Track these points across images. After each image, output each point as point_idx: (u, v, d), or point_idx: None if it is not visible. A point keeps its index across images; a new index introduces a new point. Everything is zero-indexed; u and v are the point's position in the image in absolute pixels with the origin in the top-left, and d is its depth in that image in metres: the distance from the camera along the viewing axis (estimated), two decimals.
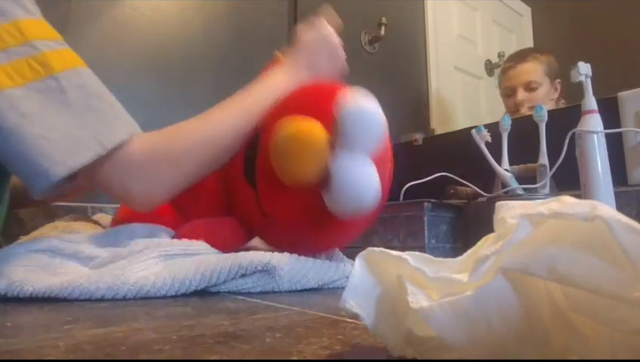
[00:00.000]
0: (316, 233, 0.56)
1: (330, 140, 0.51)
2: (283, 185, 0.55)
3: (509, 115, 0.86)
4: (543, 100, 1.01)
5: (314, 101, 0.59)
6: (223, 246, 0.55)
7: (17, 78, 0.47)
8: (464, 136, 0.74)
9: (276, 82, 0.68)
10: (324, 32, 0.71)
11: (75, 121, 0.48)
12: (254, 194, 0.60)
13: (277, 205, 0.58)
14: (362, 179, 0.49)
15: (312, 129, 0.52)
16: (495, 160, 0.68)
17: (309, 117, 0.54)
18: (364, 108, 0.50)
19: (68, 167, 0.46)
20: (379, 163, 0.52)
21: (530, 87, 1.03)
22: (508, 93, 1.08)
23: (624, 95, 0.72)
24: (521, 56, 1.09)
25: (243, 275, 0.45)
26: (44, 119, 0.47)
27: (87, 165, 0.47)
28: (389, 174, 0.57)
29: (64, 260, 0.47)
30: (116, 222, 0.67)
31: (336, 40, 0.71)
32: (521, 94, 1.04)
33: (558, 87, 1.02)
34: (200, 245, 0.52)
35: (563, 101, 0.99)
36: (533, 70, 1.05)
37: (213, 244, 0.55)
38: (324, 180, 0.50)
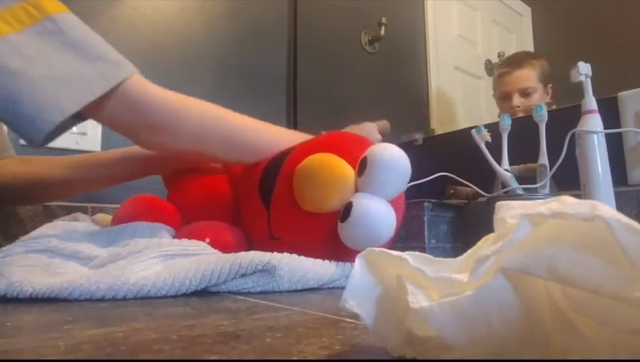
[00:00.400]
0: (322, 256, 0.55)
1: (355, 179, 0.55)
2: (298, 211, 0.57)
3: (508, 115, 0.86)
4: (537, 104, 1.03)
5: (345, 145, 0.61)
6: (225, 251, 0.55)
7: (15, 23, 0.47)
8: (464, 136, 0.74)
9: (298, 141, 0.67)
10: (368, 128, 0.75)
11: (78, 60, 0.49)
12: (267, 214, 0.60)
13: (288, 229, 0.59)
14: (382, 214, 0.52)
15: (342, 162, 0.56)
16: (495, 160, 0.68)
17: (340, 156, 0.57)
18: (393, 157, 0.54)
19: (77, 103, 0.47)
20: (395, 205, 0.54)
21: (525, 93, 1.05)
22: (503, 97, 1.10)
23: (624, 95, 0.72)
24: (516, 62, 1.11)
25: (243, 275, 0.45)
26: (48, 60, 0.47)
27: (94, 101, 0.48)
28: (401, 218, 0.58)
29: (64, 260, 0.47)
30: (117, 220, 0.67)
31: (375, 136, 0.73)
32: (517, 100, 1.06)
33: (550, 91, 1.04)
34: (200, 245, 0.52)
35: (554, 105, 1.00)
36: (529, 76, 1.07)
37: (215, 247, 0.55)
38: (344, 211, 0.53)
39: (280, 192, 0.60)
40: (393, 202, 0.54)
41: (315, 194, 0.55)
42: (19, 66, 0.46)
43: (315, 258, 0.54)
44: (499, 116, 1.10)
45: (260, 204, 0.62)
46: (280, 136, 0.66)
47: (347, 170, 0.55)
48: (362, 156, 0.55)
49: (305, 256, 0.54)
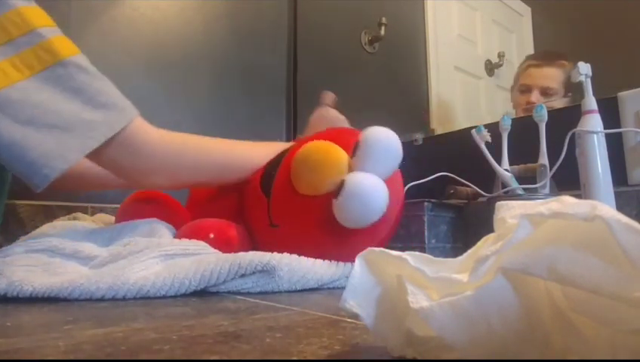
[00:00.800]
0: (321, 244, 0.57)
1: (348, 161, 0.57)
2: (295, 196, 0.59)
3: (509, 113, 0.86)
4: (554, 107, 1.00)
5: (339, 134, 0.64)
6: (228, 247, 0.56)
7: (25, 69, 0.48)
8: (464, 136, 0.74)
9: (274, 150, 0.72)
10: (328, 113, 0.79)
11: (84, 106, 0.50)
12: (267, 202, 0.63)
13: (287, 214, 0.61)
14: (373, 187, 0.53)
15: (336, 146, 0.59)
16: (495, 160, 0.68)
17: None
18: (385, 136, 0.56)
19: (80, 151, 0.49)
20: (389, 185, 0.56)
21: (546, 92, 1.02)
22: (523, 89, 1.05)
23: (624, 95, 0.72)
24: (549, 58, 1.06)
25: (243, 275, 0.45)
26: (55, 107, 0.49)
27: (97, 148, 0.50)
28: (399, 206, 0.59)
29: (64, 260, 0.47)
30: (121, 214, 0.68)
31: (337, 115, 0.78)
32: (536, 96, 1.01)
33: (567, 99, 1.01)
34: (200, 245, 0.52)
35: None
36: (555, 77, 1.02)
37: (219, 243, 0.55)
38: (337, 189, 0.54)
39: (279, 181, 0.62)
40: (387, 181, 0.56)
41: (310, 176, 0.58)
42: (27, 115, 0.47)
43: (311, 242, 0.57)
44: (514, 108, 1.06)
45: (261, 193, 0.65)
46: (265, 151, 0.71)
47: (340, 153, 0.58)
48: (356, 141, 0.58)
49: (302, 240, 0.57)
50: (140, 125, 0.56)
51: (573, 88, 1.00)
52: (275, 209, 0.62)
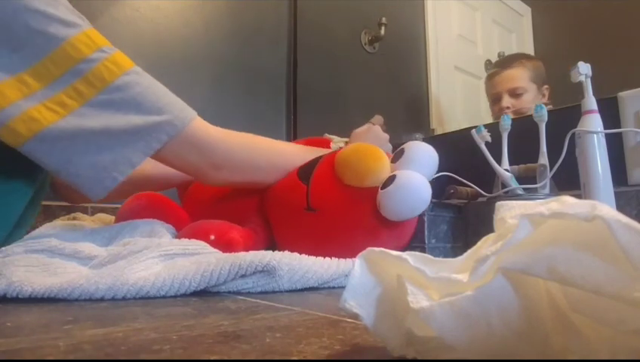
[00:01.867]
0: (354, 233, 0.62)
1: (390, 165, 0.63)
2: (339, 184, 0.63)
3: (508, 115, 0.86)
4: (529, 106, 1.00)
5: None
6: (229, 249, 0.56)
7: (98, 83, 0.51)
8: (464, 136, 0.74)
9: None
10: (375, 130, 0.81)
11: (151, 109, 0.53)
12: (305, 189, 0.66)
13: (328, 200, 0.64)
14: (422, 183, 0.59)
15: (379, 149, 0.65)
16: (495, 160, 0.68)
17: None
18: (427, 147, 0.64)
19: (145, 154, 0.52)
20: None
21: (515, 93, 1.03)
22: (494, 99, 1.08)
23: (624, 95, 0.72)
24: (506, 62, 1.09)
25: (243, 276, 0.45)
26: (125, 115, 0.51)
27: (161, 148, 0.53)
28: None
29: (63, 260, 0.47)
30: (121, 215, 0.67)
31: (384, 136, 0.81)
32: (506, 100, 1.03)
33: (546, 93, 1.02)
34: (199, 244, 0.52)
35: (550, 106, 0.98)
36: (519, 76, 1.04)
37: (220, 245, 0.55)
38: (387, 181, 0.59)
39: (321, 170, 0.66)
40: None
41: (357, 166, 0.62)
42: (102, 126, 0.50)
43: (346, 229, 0.62)
44: (495, 119, 1.09)
45: (298, 181, 0.67)
46: (304, 155, 0.73)
47: (385, 155, 0.64)
48: (398, 148, 0.65)
49: (337, 226, 0.62)
50: (200, 123, 0.59)
51: (547, 81, 1.02)
52: (315, 194, 0.65)
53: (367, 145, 0.65)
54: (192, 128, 0.57)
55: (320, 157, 0.69)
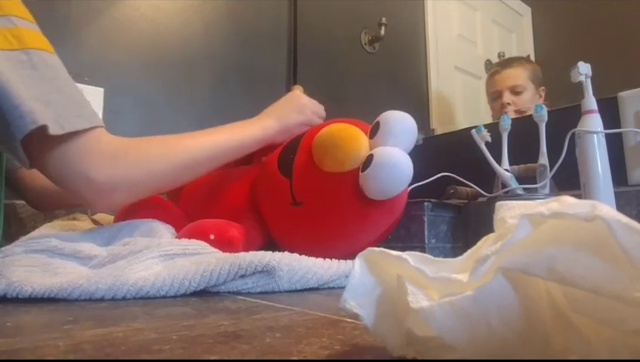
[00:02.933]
0: (345, 220, 0.61)
1: (368, 142, 0.61)
2: (319, 174, 0.62)
3: (507, 115, 0.86)
4: (528, 104, 1.05)
5: (354, 122, 0.67)
6: (230, 247, 0.56)
7: None
8: (464, 136, 0.74)
9: (246, 125, 0.73)
10: (293, 93, 0.81)
11: (42, 97, 0.46)
12: (289, 183, 0.65)
13: (311, 191, 0.64)
14: (401, 158, 0.57)
15: (356, 128, 0.63)
16: (495, 160, 0.68)
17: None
18: (403, 115, 0.62)
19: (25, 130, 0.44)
20: None
21: (515, 91, 1.07)
22: (494, 96, 1.12)
23: (624, 95, 0.72)
24: (507, 63, 1.15)
25: (243, 276, 0.45)
26: (6, 84, 0.45)
27: (42, 137, 0.45)
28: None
29: (63, 260, 0.47)
30: (120, 217, 0.67)
31: (304, 99, 0.80)
32: (507, 97, 1.08)
33: (542, 94, 1.06)
34: (199, 244, 0.52)
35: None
36: (519, 75, 1.09)
37: (220, 244, 0.55)
38: (365, 163, 0.58)
39: (300, 161, 0.65)
40: None
41: (334, 153, 0.61)
42: None
43: (336, 218, 0.60)
44: (492, 117, 1.11)
45: (280, 176, 0.67)
46: (226, 136, 0.67)
47: (361, 133, 0.62)
48: (375, 122, 0.62)
49: (326, 216, 0.61)
50: (96, 138, 0.50)
51: (544, 83, 1.05)
52: (298, 187, 0.64)
53: (340, 127, 0.63)
54: (81, 138, 0.49)
55: (297, 143, 0.67)
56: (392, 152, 0.57)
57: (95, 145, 0.50)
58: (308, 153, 0.64)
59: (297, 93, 0.82)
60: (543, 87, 1.06)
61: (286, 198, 0.65)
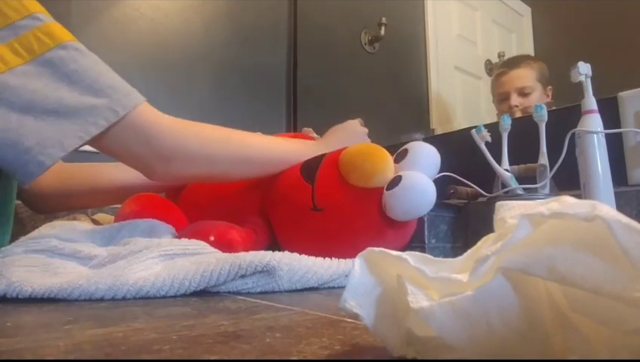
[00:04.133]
0: (360, 232, 0.62)
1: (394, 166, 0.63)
2: (344, 184, 0.63)
3: (508, 115, 0.86)
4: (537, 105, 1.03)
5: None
6: (230, 250, 0.56)
7: (25, 53, 0.46)
8: (464, 136, 0.74)
9: (305, 147, 0.72)
10: (355, 127, 0.79)
11: (87, 91, 0.48)
12: (311, 188, 0.65)
13: (334, 200, 0.64)
14: (427, 183, 0.59)
15: (383, 149, 0.64)
16: (495, 160, 0.68)
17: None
18: (430, 147, 0.65)
19: (79, 138, 0.47)
20: None
21: (523, 93, 1.06)
22: (501, 98, 1.10)
23: (624, 95, 0.72)
24: (514, 63, 1.12)
25: (243, 276, 0.45)
26: (55, 93, 0.47)
27: (100, 134, 0.48)
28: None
29: (63, 260, 0.47)
30: (120, 217, 0.67)
31: (366, 137, 0.79)
32: (515, 99, 1.06)
33: (550, 93, 1.04)
34: (199, 244, 0.52)
35: (554, 107, 1.00)
36: (526, 76, 1.07)
37: (220, 245, 0.55)
38: (392, 182, 0.60)
39: (325, 169, 0.66)
40: None
41: (363, 166, 0.62)
42: (25, 101, 0.45)
43: (352, 228, 0.62)
44: (497, 117, 1.10)
45: (303, 181, 0.67)
46: (284, 147, 0.69)
47: (389, 155, 0.64)
48: (401, 148, 0.65)
49: (343, 225, 0.62)
50: (147, 110, 0.53)
51: (550, 81, 1.04)
52: (320, 194, 0.65)
53: (370, 146, 0.66)
54: (136, 114, 0.51)
55: (323, 155, 0.69)
56: (420, 177, 0.59)
57: (151, 115, 0.53)
58: (334, 164, 0.66)
59: (359, 126, 0.80)
60: (550, 87, 1.04)
61: (305, 202, 0.65)
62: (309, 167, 0.68)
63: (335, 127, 0.79)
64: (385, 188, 0.60)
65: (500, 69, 1.14)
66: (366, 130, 0.80)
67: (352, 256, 0.57)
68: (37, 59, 0.46)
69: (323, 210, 0.64)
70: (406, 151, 0.64)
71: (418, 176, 0.59)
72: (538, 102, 1.03)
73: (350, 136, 0.76)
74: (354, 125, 0.79)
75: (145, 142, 0.53)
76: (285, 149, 0.69)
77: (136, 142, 0.52)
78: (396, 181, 0.59)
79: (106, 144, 0.51)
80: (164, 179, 0.60)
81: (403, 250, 0.62)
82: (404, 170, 0.61)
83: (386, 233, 0.62)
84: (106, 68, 0.52)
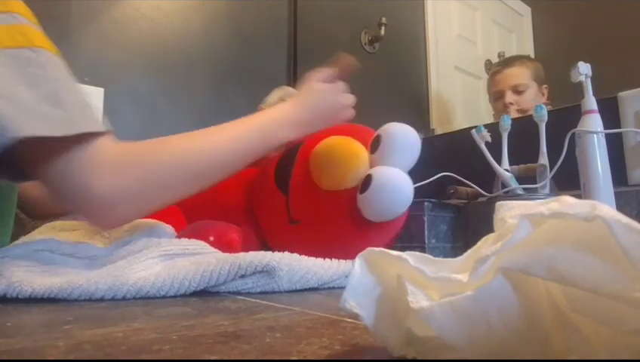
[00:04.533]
0: (342, 239, 0.59)
1: (369, 157, 0.58)
2: (316, 192, 0.60)
3: (508, 115, 0.86)
4: (531, 104, 1.04)
5: (354, 130, 0.64)
6: (229, 250, 0.56)
7: None
8: (464, 136, 0.74)
9: (274, 118, 0.60)
10: (343, 89, 0.67)
11: (50, 98, 0.43)
12: (285, 199, 0.63)
13: (308, 210, 0.61)
14: (401, 180, 0.55)
15: (356, 142, 0.59)
16: (495, 160, 0.68)
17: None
18: (406, 130, 0.58)
19: (27, 132, 0.40)
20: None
21: (517, 90, 1.06)
22: (496, 96, 1.11)
23: (624, 95, 0.72)
24: (508, 62, 1.13)
25: (242, 276, 0.45)
26: (12, 87, 0.42)
27: (50, 140, 0.41)
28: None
29: (63, 260, 0.47)
30: None
31: (344, 98, 0.66)
32: (510, 96, 1.07)
33: (545, 92, 1.05)
34: (199, 244, 0.52)
35: (550, 107, 1.00)
36: (520, 73, 1.08)
37: (220, 246, 0.55)
38: (363, 183, 0.55)
39: (297, 177, 0.63)
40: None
41: (332, 171, 0.58)
42: None
43: (333, 237, 0.58)
44: (493, 117, 1.11)
45: (278, 192, 0.64)
46: (248, 136, 0.56)
47: (361, 148, 0.59)
48: (374, 135, 0.59)
49: (323, 235, 0.58)
50: (109, 147, 0.46)
51: (546, 81, 1.04)
52: (294, 205, 0.62)
53: (339, 142, 0.60)
54: (94, 146, 0.44)
55: (294, 157, 0.63)
56: (391, 175, 0.55)
57: (98, 152, 0.45)
58: (305, 167, 0.62)
59: (349, 95, 0.66)
60: (545, 85, 1.05)
61: (282, 213, 0.63)
62: (282, 173, 0.65)
63: (299, 98, 0.63)
64: (358, 188, 0.57)
65: (494, 68, 1.15)
66: (345, 99, 0.65)
67: (341, 258, 0.57)
68: (2, 50, 0.43)
69: (299, 222, 0.62)
70: (379, 138, 0.58)
71: (389, 174, 0.55)
72: (533, 100, 1.04)
73: (327, 109, 0.62)
74: (335, 92, 0.65)
75: (83, 184, 0.44)
76: (241, 133, 0.56)
77: (74, 179, 0.44)
78: (367, 182, 0.55)
79: (48, 164, 0.43)
80: (108, 226, 0.53)
81: (397, 237, 0.62)
82: (379, 163, 0.57)
83: (368, 235, 0.58)
84: (77, 89, 0.46)
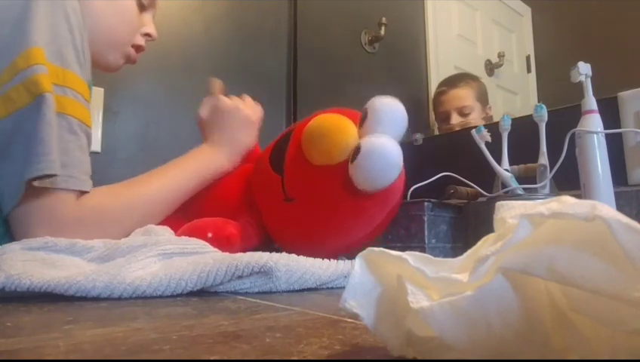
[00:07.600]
0: (338, 213, 0.60)
1: (357, 131, 0.60)
2: (309, 168, 0.61)
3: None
4: (475, 123, 1.05)
5: (343, 111, 0.67)
6: (228, 245, 0.56)
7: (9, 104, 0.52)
8: (464, 136, 0.74)
9: (203, 155, 0.73)
10: (229, 106, 0.77)
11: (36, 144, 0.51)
12: (280, 179, 0.65)
13: (302, 186, 0.63)
14: (389, 146, 0.56)
15: (344, 117, 0.61)
16: (495, 160, 0.68)
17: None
18: (392, 102, 0.60)
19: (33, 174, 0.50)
20: None
21: (463, 113, 1.07)
22: (442, 117, 1.12)
23: (624, 95, 0.72)
24: (452, 82, 1.14)
25: (240, 276, 0.45)
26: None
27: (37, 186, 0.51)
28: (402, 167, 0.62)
29: (60, 254, 0.47)
30: None
31: (244, 111, 0.76)
32: (455, 118, 1.07)
33: (489, 112, 1.06)
34: (198, 243, 0.52)
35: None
36: (465, 95, 1.09)
37: (218, 242, 0.55)
38: (353, 153, 0.57)
39: (291, 156, 0.64)
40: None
41: (323, 145, 0.60)
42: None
43: (328, 212, 0.59)
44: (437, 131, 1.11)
45: (272, 173, 0.66)
46: (181, 177, 0.68)
47: (349, 123, 0.60)
48: (363, 109, 0.60)
49: (319, 211, 0.60)
50: (90, 202, 0.56)
51: (488, 101, 1.06)
52: (289, 183, 0.64)
53: (327, 118, 0.62)
54: (79, 201, 0.55)
55: (288, 139, 0.66)
56: (379, 141, 0.56)
57: (62, 208, 0.54)
58: (298, 146, 0.64)
59: (234, 105, 0.76)
60: (489, 105, 1.05)
61: (278, 194, 0.64)
62: (277, 155, 0.66)
63: (211, 123, 0.76)
64: (349, 160, 0.58)
65: (439, 88, 1.16)
66: (246, 107, 0.76)
67: (336, 239, 0.57)
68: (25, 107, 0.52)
69: (294, 200, 0.63)
70: (366, 111, 0.60)
71: (377, 141, 0.56)
72: (477, 121, 1.04)
73: (236, 122, 0.74)
74: (234, 108, 0.76)
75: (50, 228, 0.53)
76: (182, 183, 0.68)
77: (34, 229, 0.53)
78: (356, 151, 0.56)
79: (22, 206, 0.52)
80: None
81: (397, 207, 0.62)
82: (367, 134, 0.58)
83: (363, 207, 0.59)
84: (81, 154, 0.56)
